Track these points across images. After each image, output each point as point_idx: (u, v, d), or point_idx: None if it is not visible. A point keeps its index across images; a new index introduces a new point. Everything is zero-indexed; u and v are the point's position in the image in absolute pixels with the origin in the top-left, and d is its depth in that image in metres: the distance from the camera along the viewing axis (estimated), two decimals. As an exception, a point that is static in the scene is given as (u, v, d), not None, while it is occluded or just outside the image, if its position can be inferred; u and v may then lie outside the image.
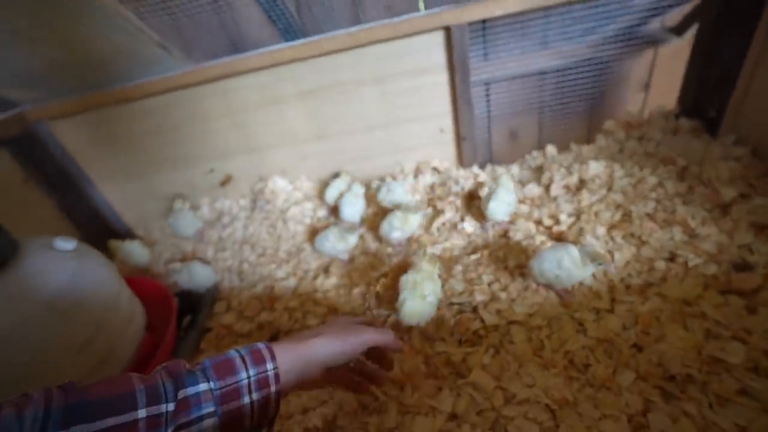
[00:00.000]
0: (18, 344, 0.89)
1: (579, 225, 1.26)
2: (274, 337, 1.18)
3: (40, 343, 0.92)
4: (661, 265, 1.05)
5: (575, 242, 1.15)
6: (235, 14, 1.42)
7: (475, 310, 1.01)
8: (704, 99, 1.51)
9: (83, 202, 1.80)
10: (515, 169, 1.69)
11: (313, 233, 1.57)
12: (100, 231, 1.85)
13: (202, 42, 1.48)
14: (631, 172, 1.42)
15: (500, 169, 1.70)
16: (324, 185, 1.71)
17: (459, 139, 1.67)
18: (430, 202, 1.52)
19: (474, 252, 1.23)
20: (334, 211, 1.65)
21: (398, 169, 1.74)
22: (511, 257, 1.18)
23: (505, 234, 1.29)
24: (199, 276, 1.40)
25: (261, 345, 0.54)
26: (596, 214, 1.28)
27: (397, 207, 1.38)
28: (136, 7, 1.30)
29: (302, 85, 1.58)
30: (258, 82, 1.57)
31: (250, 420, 0.50)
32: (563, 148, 1.74)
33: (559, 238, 1.23)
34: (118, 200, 1.90)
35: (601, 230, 1.22)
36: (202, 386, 0.47)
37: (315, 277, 1.34)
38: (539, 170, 1.62)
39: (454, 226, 1.38)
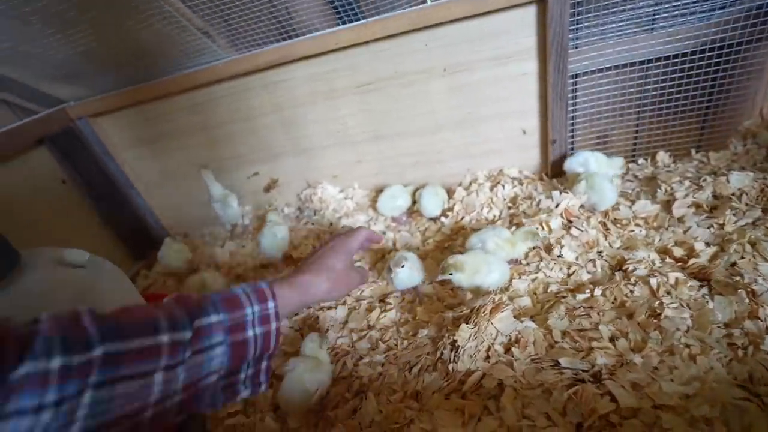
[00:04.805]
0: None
1: (727, 257, 0.92)
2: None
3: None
4: None
5: (728, 285, 0.82)
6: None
7: (597, 378, 0.71)
8: None
9: (123, 205, 1.68)
10: (616, 180, 1.35)
11: (369, 253, 1.32)
12: (139, 236, 1.72)
13: (248, 28, 1.30)
14: (796, 188, 1.05)
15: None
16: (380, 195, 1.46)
17: (546, 142, 1.36)
18: (513, 220, 1.22)
19: (579, 290, 0.93)
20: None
21: (469, 177, 1.46)
22: (636, 300, 0.86)
23: (620, 266, 0.97)
24: None
25: (263, 284, 0.59)
26: (753, 243, 0.94)
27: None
28: (177, -13, 1.14)
29: (359, 77, 1.35)
30: (309, 72, 1.36)
31: (253, 351, 0.54)
32: (677, 154, 1.38)
33: (703, 278, 0.90)
34: (157, 204, 1.77)
35: (765, 267, 0.88)
36: (213, 318, 0.51)
37: (369, 309, 1.07)
38: (651, 182, 1.28)
39: (548, 251, 1.07)
